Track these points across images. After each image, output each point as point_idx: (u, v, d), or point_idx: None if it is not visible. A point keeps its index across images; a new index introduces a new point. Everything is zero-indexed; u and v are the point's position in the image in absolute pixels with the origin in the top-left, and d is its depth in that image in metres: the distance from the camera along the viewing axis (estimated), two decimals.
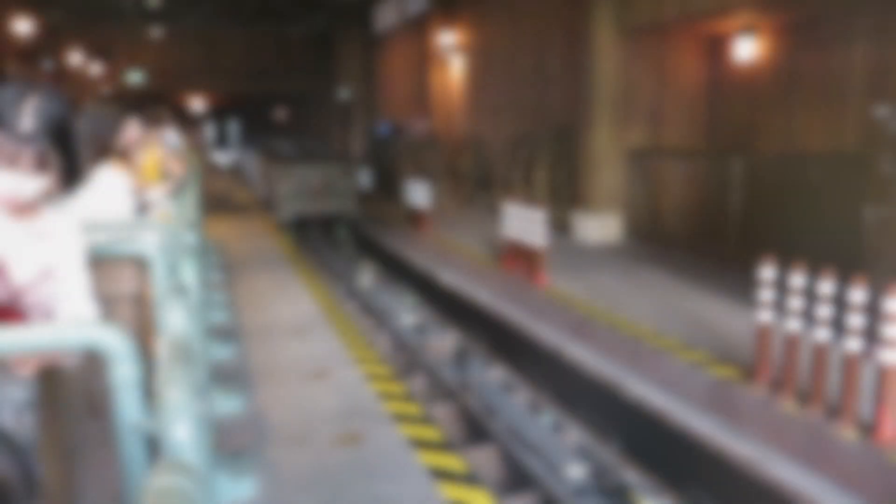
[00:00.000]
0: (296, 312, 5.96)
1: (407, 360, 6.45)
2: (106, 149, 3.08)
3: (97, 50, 21.72)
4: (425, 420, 3.84)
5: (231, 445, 3.51)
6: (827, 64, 7.24)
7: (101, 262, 2.22)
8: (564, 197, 9.79)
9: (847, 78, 7.02)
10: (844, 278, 3.56)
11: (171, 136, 7.51)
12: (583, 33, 8.80)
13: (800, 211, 6.56)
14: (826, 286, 3.62)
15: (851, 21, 6.92)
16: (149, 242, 2.36)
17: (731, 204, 7.31)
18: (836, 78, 7.15)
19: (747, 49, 8.07)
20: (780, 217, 6.85)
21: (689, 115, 9.08)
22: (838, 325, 3.58)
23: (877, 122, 4.31)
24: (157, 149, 4.96)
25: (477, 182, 13.12)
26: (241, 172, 23.28)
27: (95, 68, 22.85)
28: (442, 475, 3.21)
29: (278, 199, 12.26)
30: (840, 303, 3.57)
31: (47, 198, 1.66)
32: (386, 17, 20.19)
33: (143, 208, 3.45)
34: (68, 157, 1.54)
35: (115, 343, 1.31)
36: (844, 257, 5.46)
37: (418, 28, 16.85)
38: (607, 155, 8.74)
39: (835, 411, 3.58)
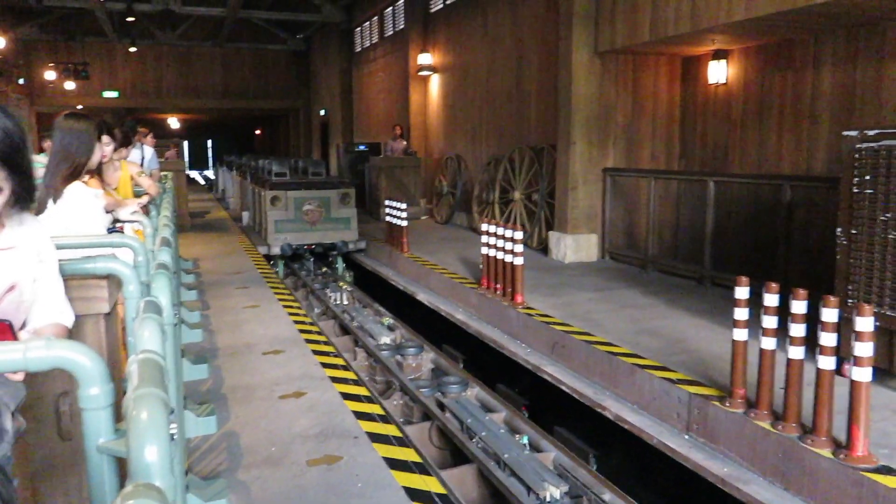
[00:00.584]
0: (272, 332, 5.91)
1: (385, 379, 6.40)
2: (77, 165, 3.03)
3: (72, 66, 21.54)
4: (403, 441, 3.81)
5: (204, 467, 3.45)
6: (797, 87, 7.41)
7: (72, 280, 2.19)
8: (541, 217, 9.86)
9: (817, 101, 7.19)
10: (817, 297, 3.61)
11: (148, 154, 7.46)
12: (559, 55, 8.92)
13: (773, 231, 6.67)
14: (799, 305, 3.67)
15: (820, 46, 7.11)
16: (122, 260, 2.33)
17: (706, 224, 7.41)
18: (806, 101, 7.32)
19: (719, 72, 8.24)
20: (754, 237, 6.95)
21: (664, 136, 9.22)
22: (812, 344, 3.62)
23: (845, 145, 4.40)
24: (131, 166, 4.92)
25: (456, 201, 13.16)
26: (219, 191, 22.12)
27: (70, 84, 22.64)
28: (420, 496, 3.18)
29: (267, 228, 10.69)
30: (813, 321, 3.62)
31: (7, 213, 1.64)
32: (365, 37, 20.30)
33: (115, 225, 3.40)
34: (21, 177, 1.52)
35: (85, 363, 1.28)
36: (817, 277, 5.55)
37: (397, 48, 16.96)
38: (584, 175, 8.82)
39: (808, 429, 3.61)
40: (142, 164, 6.48)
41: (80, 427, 1.35)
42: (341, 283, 9.80)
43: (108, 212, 3.37)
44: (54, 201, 2.93)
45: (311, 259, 11.43)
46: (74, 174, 3.01)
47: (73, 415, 2.12)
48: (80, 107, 22.03)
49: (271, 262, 10.36)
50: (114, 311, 2.40)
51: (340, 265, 11.34)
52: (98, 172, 3.79)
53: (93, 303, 2.24)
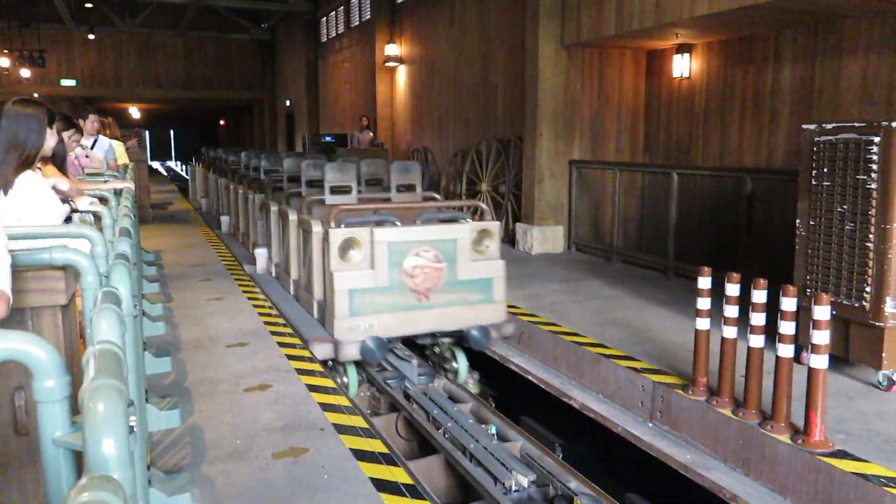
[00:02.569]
0: (237, 324, 5.83)
1: None
2: (28, 153, 2.93)
3: (28, 53, 20.91)
4: (370, 432, 3.80)
5: (167, 462, 3.39)
6: (758, 82, 7.54)
7: (28, 271, 2.13)
8: (508, 208, 9.90)
9: (777, 95, 7.33)
10: (778, 287, 3.69)
11: (105, 145, 7.28)
12: (525, 48, 8.94)
13: (735, 223, 6.79)
14: (760, 295, 3.75)
15: (780, 41, 7.24)
16: (79, 250, 2.27)
17: (670, 216, 7.51)
18: (766, 95, 7.46)
19: (683, 66, 8.35)
20: (717, 229, 7.08)
21: (629, 129, 9.31)
22: (772, 333, 3.70)
23: (804, 138, 4.49)
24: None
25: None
26: (197, 198, 15.79)
27: (26, 72, 22.00)
28: (387, 487, 3.17)
29: (333, 305, 5.22)
30: (774, 311, 3.69)
31: None
32: (331, 27, 20.10)
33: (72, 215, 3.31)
34: None
35: (39, 355, 1.24)
36: (778, 267, 5.67)
37: (363, 38, 16.83)
38: (550, 167, 8.88)
39: (768, 415, 3.69)
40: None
41: (35, 421, 1.31)
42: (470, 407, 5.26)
43: (65, 201, 3.28)
44: (5, 192, 2.83)
45: (413, 360, 5.76)
46: (26, 163, 2.90)
47: (28, 409, 2.06)
48: (35, 95, 21.45)
49: (329, 366, 5.40)
50: (71, 303, 2.34)
51: (462, 363, 5.77)
52: (53, 160, 3.69)
53: (49, 294, 2.19)
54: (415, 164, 7.30)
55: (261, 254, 7.86)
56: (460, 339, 5.63)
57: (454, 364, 5.82)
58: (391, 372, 5.51)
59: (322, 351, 5.19)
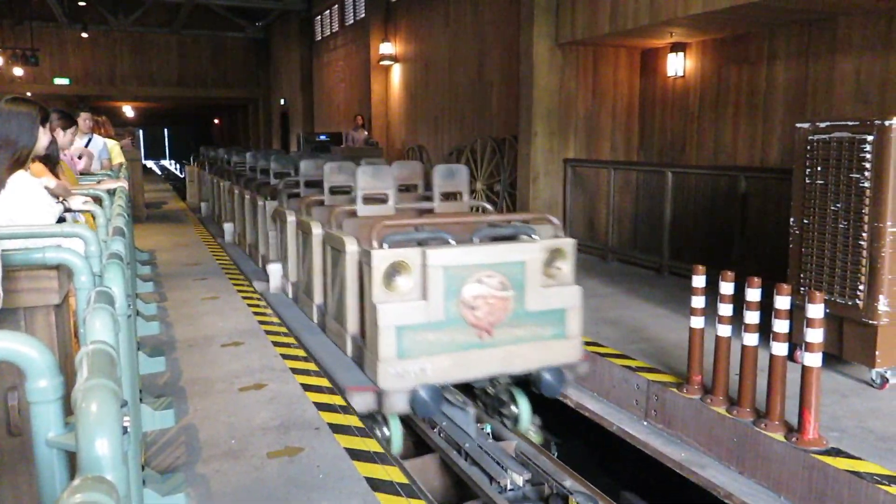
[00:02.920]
0: (231, 324, 5.81)
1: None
2: (21, 152, 2.91)
3: (21, 51, 20.82)
4: (365, 431, 3.79)
5: (162, 461, 3.39)
6: (752, 80, 7.56)
7: (21, 271, 2.12)
8: (503, 207, 9.90)
9: (771, 94, 7.35)
10: (772, 285, 3.70)
11: (99, 144, 7.25)
12: (520, 46, 8.95)
13: (729, 221, 6.80)
14: (754, 293, 3.76)
15: (774, 40, 7.26)
16: (73, 250, 2.26)
17: (664, 214, 7.52)
18: (760, 94, 7.48)
19: (677, 65, 8.36)
20: (711, 227, 7.09)
21: (623, 127, 9.33)
22: (766, 331, 3.71)
23: (797, 137, 4.51)
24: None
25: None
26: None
27: (19, 70, 21.91)
28: (382, 487, 3.17)
29: (377, 344, 4.09)
30: (768, 309, 3.70)
31: None
32: (325, 25, 20.07)
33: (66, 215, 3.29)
34: None
35: (32, 355, 1.24)
36: (772, 265, 5.69)
37: (358, 37, 16.81)
38: (545, 166, 8.88)
39: (762, 413, 3.70)
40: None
41: (28, 422, 1.31)
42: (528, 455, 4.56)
43: (58, 200, 3.26)
44: None
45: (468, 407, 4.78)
46: (18, 162, 2.88)
47: (21, 409, 2.05)
48: (28, 94, 21.36)
49: (380, 420, 4.47)
50: (65, 303, 2.33)
51: (524, 407, 4.63)
52: (47, 159, 3.67)
53: (43, 294, 2.17)
54: (461, 167, 6.01)
55: (274, 270, 6.81)
56: (520, 379, 4.62)
57: (513, 409, 4.66)
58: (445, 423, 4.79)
59: (362, 402, 4.15)
